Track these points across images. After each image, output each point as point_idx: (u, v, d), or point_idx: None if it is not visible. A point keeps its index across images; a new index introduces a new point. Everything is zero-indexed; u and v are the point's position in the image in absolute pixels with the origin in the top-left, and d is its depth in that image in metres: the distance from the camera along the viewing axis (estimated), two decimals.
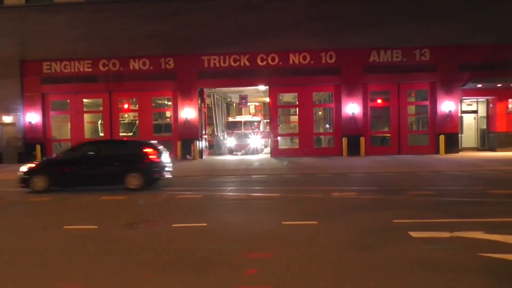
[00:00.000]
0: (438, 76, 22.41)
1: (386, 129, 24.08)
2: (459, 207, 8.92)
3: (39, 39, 23.23)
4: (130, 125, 26.50)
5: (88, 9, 23.26)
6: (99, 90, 23.69)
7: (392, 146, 23.21)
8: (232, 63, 22.86)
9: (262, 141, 27.91)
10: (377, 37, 22.15)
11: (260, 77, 23.11)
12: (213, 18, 22.73)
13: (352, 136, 22.48)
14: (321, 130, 29.36)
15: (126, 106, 25.82)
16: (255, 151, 26.74)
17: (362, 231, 7.09)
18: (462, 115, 23.92)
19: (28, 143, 23.37)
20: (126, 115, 27.23)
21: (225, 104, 33.24)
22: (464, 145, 23.71)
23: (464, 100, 23.73)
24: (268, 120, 25.96)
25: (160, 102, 27.24)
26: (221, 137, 29.53)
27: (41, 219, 9.15)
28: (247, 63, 22.81)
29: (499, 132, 22.81)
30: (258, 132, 27.65)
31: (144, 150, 12.97)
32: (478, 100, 24.02)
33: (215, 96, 29.29)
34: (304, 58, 22.67)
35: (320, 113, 30.33)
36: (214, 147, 29.11)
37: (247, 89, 27.08)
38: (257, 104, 38.81)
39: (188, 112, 23.24)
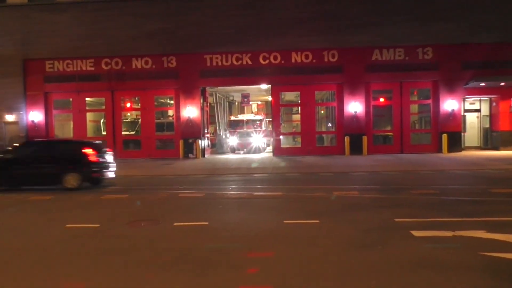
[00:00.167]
0: (440, 74, 22.34)
1: (389, 128, 24.03)
2: (462, 206, 8.88)
3: (42, 38, 23.29)
4: (132, 124, 26.54)
5: (91, 8, 23.28)
6: (101, 88, 23.74)
7: (394, 145, 23.16)
8: (234, 62, 22.85)
9: (264, 140, 27.88)
10: (379, 36, 22.10)
11: (262, 76, 23.10)
12: (215, 16, 22.72)
13: (354, 135, 22.44)
14: (324, 129, 29.31)
15: (128, 105, 25.87)
16: (257, 150, 26.73)
17: (364, 230, 7.07)
18: (465, 114, 23.85)
19: None
20: (129, 114, 27.26)
21: (227, 103, 33.23)
22: (467, 144, 23.64)
23: (467, 99, 23.66)
24: (270, 119, 25.95)
25: (163, 100, 27.27)
26: (223, 136, 29.54)
27: (42, 217, 9.15)
28: (249, 62, 22.80)
29: (502, 131, 22.73)
30: (260, 131, 27.62)
31: (83, 150, 13.11)
32: (481, 98, 23.94)
33: (217, 94, 29.28)
34: (306, 57, 22.64)
35: (322, 112, 30.30)
36: (216, 146, 29.12)
37: (249, 88, 27.07)
38: (259, 102, 38.78)
39: (190, 111, 23.25)
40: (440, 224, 7.30)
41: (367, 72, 22.55)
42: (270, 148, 26.74)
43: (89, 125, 25.01)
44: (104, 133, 25.13)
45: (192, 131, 23.32)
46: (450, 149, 21.94)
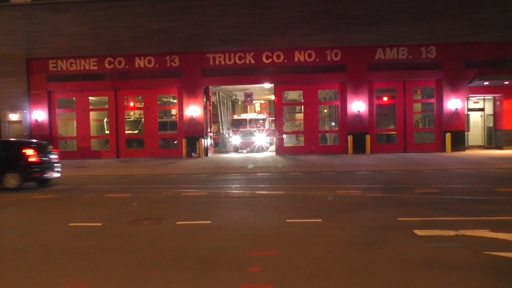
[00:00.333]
0: (444, 73, 22.26)
1: (392, 127, 23.97)
2: (465, 205, 8.85)
3: (45, 37, 23.35)
4: (135, 123, 26.59)
5: (93, 7, 23.31)
6: (104, 88, 23.78)
7: (397, 144, 23.10)
8: (237, 61, 22.84)
9: (267, 139, 27.88)
10: (382, 35, 22.05)
11: (265, 75, 23.07)
12: (218, 15, 22.72)
13: (357, 134, 22.40)
14: (327, 128, 29.27)
15: (131, 104, 25.92)
16: (260, 149, 26.73)
17: (367, 229, 7.05)
18: (469, 113, 23.75)
19: None
20: (132, 113, 27.32)
21: (230, 102, 33.24)
22: (470, 143, 23.56)
23: (470, 98, 23.56)
24: (273, 118, 25.93)
25: (166, 100, 27.31)
26: (226, 135, 29.55)
27: (46, 216, 9.18)
28: (252, 61, 22.78)
29: (506, 130, 22.62)
30: (263, 130, 27.62)
31: (23, 150, 13.25)
32: (485, 97, 23.84)
33: (220, 93, 29.30)
34: (310, 55, 22.61)
35: (325, 111, 30.26)
36: (219, 145, 29.14)
37: (252, 87, 27.05)
38: (262, 102, 38.80)
39: (193, 110, 23.26)
40: (443, 224, 7.27)
41: (370, 71, 22.50)
42: (273, 147, 26.74)
43: (93, 124, 25.06)
44: (107, 132, 25.19)
45: (195, 130, 23.33)
46: (454, 148, 21.86)
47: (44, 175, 13.55)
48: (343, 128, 23.11)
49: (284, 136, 24.66)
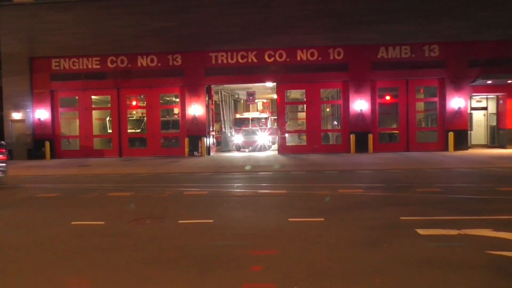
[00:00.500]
0: (447, 72, 22.20)
1: (395, 126, 23.92)
2: (468, 205, 8.83)
3: (48, 36, 23.40)
4: (138, 122, 26.61)
5: (96, 6, 23.34)
6: (107, 86, 23.83)
7: (400, 143, 23.06)
8: (240, 60, 22.84)
9: (270, 138, 27.85)
10: (385, 33, 22.00)
11: (267, 74, 23.06)
12: (220, 14, 22.71)
13: (360, 132, 22.37)
14: (329, 127, 29.23)
15: (134, 102, 25.95)
16: (263, 148, 26.71)
17: (369, 228, 7.04)
18: (472, 111, 23.68)
19: (37, 140, 23.63)
20: (134, 112, 27.34)
21: (232, 101, 33.21)
22: (473, 142, 23.49)
23: (473, 97, 23.49)
24: (276, 117, 25.91)
25: (168, 98, 27.33)
26: (229, 134, 29.53)
27: (48, 214, 9.21)
28: (255, 60, 22.78)
29: (509, 129, 22.54)
30: (265, 128, 27.58)
31: None
32: (488, 96, 23.76)
33: (223, 92, 29.29)
34: (312, 54, 22.58)
35: (328, 109, 30.21)
36: (222, 144, 29.14)
37: (255, 86, 27.03)
38: (264, 100, 38.76)
39: (196, 109, 23.28)
40: (445, 223, 7.26)
41: (373, 69, 22.46)
42: (275, 146, 26.72)
43: (95, 123, 25.11)
44: (110, 131, 25.23)
45: (197, 129, 23.35)
46: (457, 147, 21.79)
47: None
48: (346, 127, 23.09)
49: (287, 135, 24.63)
